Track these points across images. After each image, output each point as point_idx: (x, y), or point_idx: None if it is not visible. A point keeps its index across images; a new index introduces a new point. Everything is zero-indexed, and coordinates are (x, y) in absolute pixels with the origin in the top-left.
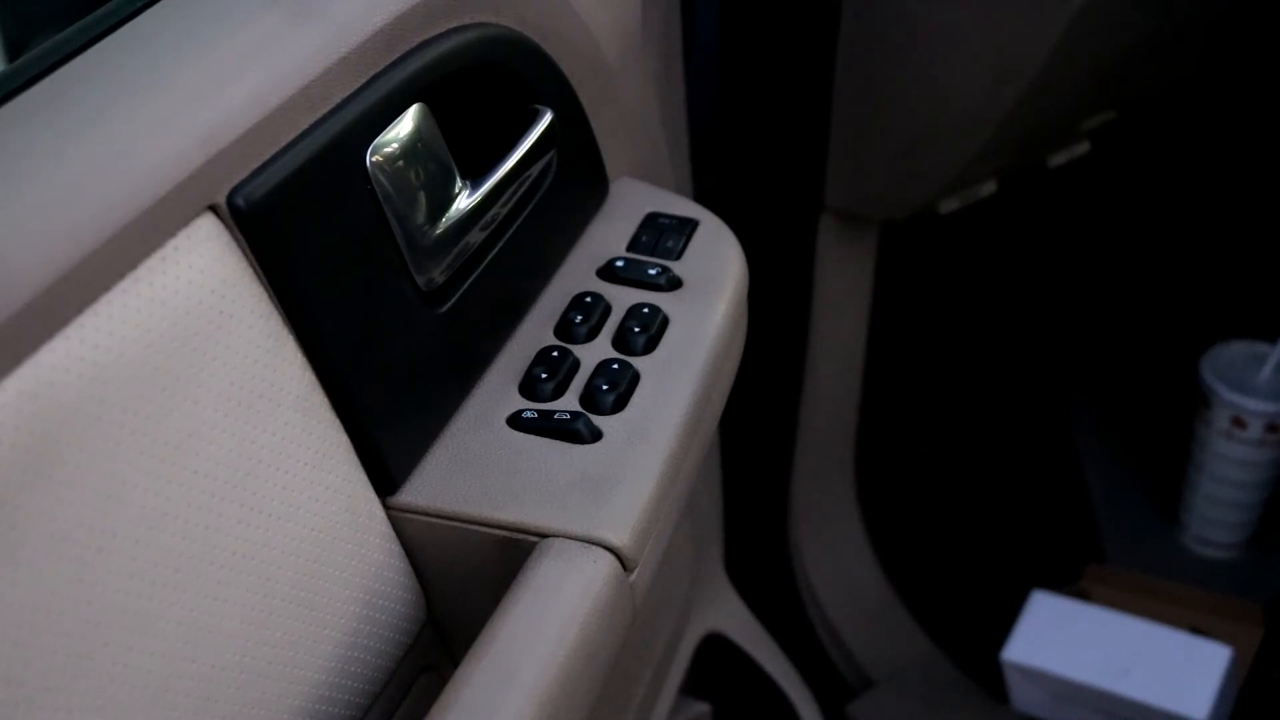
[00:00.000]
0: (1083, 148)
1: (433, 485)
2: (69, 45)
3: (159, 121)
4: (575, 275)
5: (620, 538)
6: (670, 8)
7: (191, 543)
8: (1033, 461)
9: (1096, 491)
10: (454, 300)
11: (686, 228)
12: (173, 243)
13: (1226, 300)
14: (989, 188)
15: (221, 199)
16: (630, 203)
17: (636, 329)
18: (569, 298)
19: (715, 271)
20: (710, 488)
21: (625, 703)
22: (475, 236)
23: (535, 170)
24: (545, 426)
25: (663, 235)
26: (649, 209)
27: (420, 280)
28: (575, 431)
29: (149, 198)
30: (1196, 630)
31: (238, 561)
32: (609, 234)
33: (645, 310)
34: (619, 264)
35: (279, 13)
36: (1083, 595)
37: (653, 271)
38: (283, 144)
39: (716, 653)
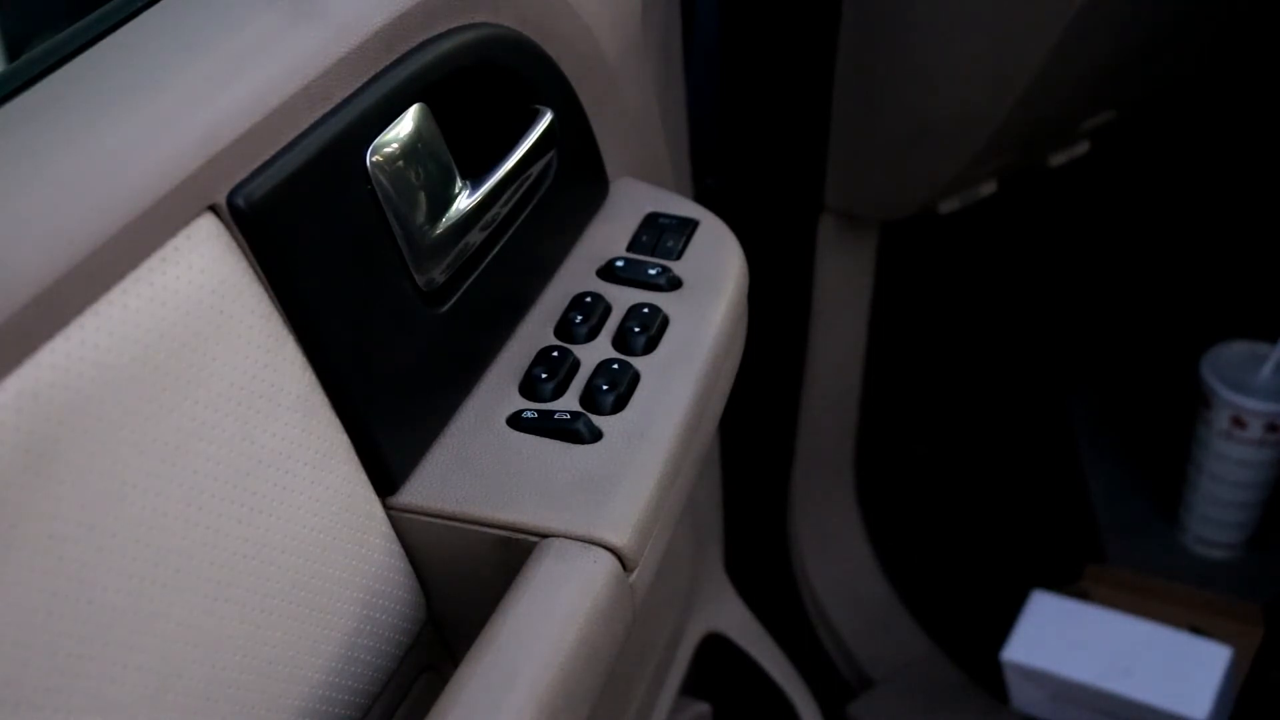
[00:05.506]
0: (1083, 148)
1: (433, 485)
2: (69, 45)
3: (159, 121)
4: (575, 275)
5: (620, 538)
6: (670, 8)
7: (191, 543)
8: (1033, 461)
9: (1096, 491)
10: (454, 300)
11: (686, 228)
12: (173, 243)
13: (1226, 300)
14: (989, 188)
15: (222, 199)
16: (630, 203)
17: (637, 329)
18: (569, 298)
19: (715, 271)
20: (710, 488)
21: (625, 703)
22: (475, 236)
23: (535, 170)
24: (545, 426)
25: (663, 235)
26: (649, 209)
27: (420, 280)
28: (575, 431)
29: (149, 198)
30: (1196, 630)
31: (238, 561)
32: (609, 234)
33: (645, 310)
34: (619, 264)
35: (279, 13)
36: (1083, 595)
37: (653, 271)
38: (283, 144)
39: (716, 653)
